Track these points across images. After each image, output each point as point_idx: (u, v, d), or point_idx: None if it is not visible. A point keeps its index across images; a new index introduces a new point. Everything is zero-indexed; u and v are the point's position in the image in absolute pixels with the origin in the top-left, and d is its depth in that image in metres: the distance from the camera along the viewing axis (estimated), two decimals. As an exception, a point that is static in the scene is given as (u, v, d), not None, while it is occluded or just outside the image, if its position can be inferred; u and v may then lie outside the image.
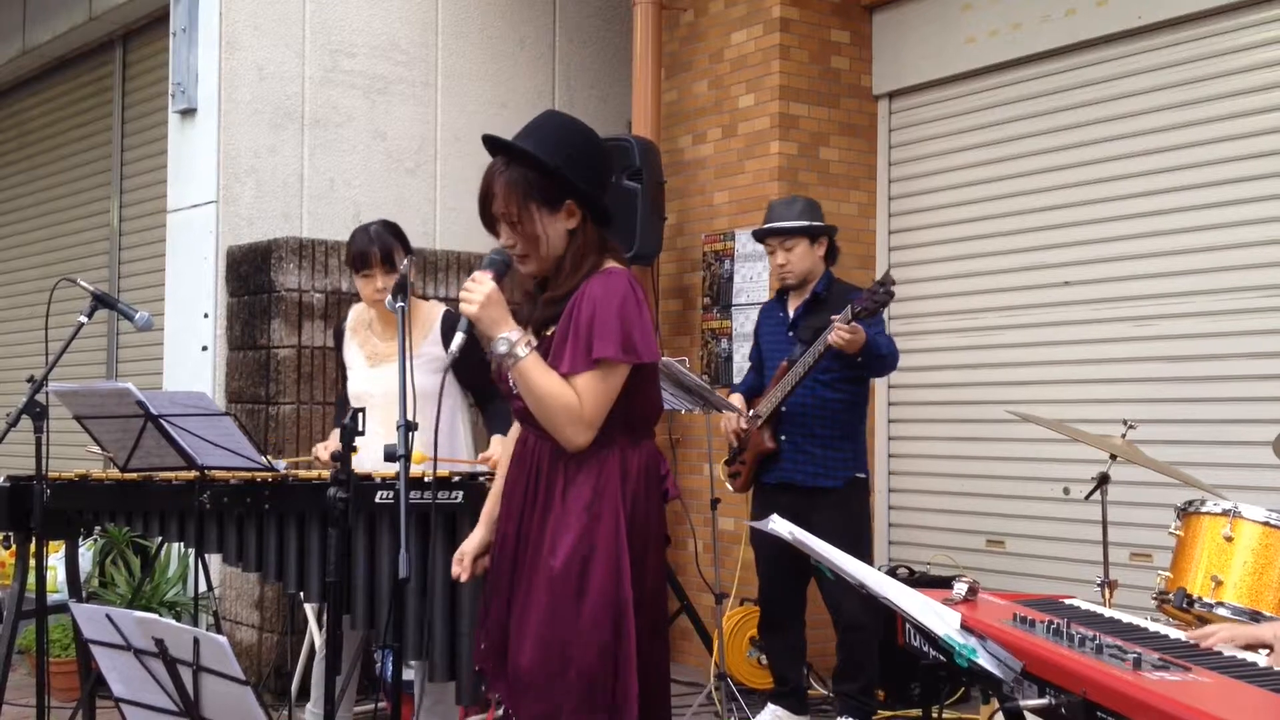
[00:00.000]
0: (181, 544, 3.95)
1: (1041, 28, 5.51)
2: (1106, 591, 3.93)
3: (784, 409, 4.64)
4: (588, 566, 2.63)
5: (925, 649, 2.36)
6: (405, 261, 3.22)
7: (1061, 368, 5.43)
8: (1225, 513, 3.41)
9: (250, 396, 5.55)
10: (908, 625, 2.45)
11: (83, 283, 4.01)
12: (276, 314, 5.45)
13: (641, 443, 2.76)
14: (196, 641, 2.41)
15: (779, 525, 2.57)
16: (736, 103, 6.20)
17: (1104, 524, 4.08)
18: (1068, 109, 5.45)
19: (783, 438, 4.67)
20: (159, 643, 2.45)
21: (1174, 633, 2.34)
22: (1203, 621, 3.07)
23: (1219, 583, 3.34)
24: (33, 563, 3.95)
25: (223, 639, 2.41)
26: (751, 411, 4.69)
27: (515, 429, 2.94)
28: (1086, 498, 4.12)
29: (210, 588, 4.50)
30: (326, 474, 3.59)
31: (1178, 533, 3.55)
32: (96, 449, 3.91)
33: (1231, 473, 4.70)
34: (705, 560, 5.47)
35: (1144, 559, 4.87)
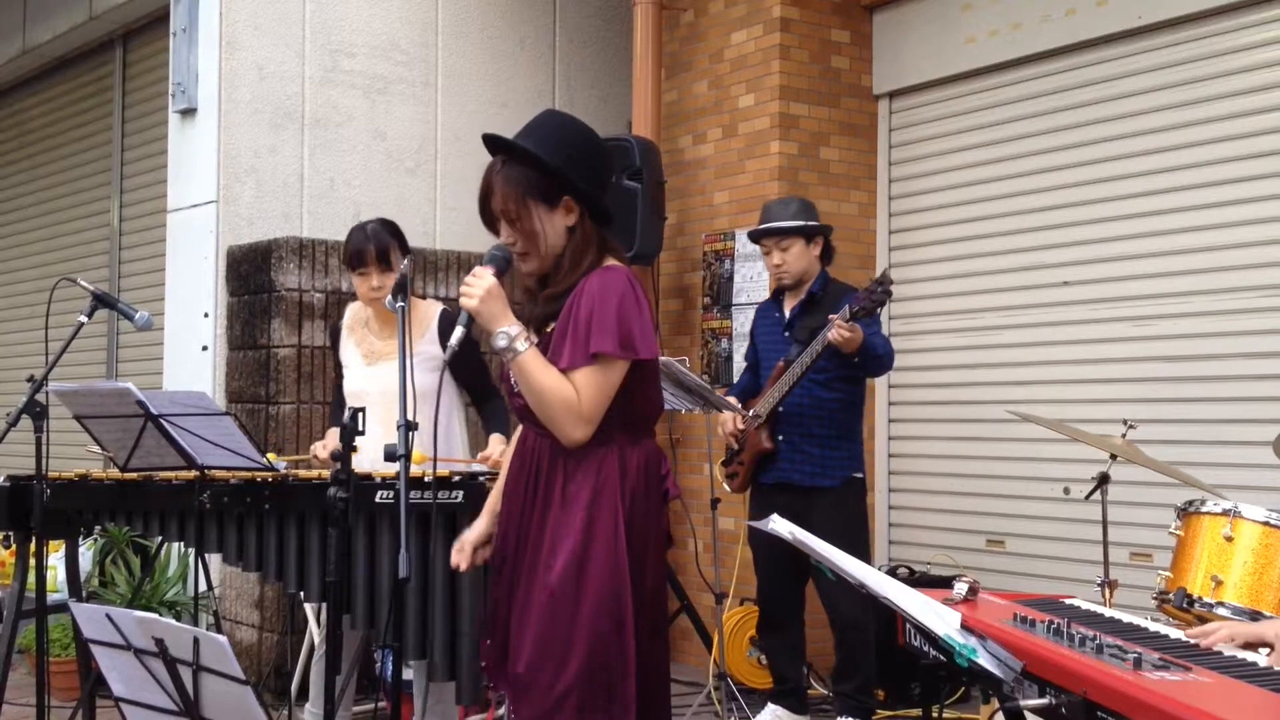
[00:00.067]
0: (181, 544, 3.95)
1: (1041, 28, 5.51)
2: (1106, 591, 3.92)
3: (781, 409, 4.64)
4: (586, 565, 2.64)
5: (925, 649, 2.36)
6: (405, 262, 3.22)
7: (1061, 368, 5.43)
8: (1225, 513, 3.41)
9: (250, 396, 5.55)
10: (908, 625, 2.45)
11: (83, 282, 4.01)
12: (276, 314, 5.45)
13: (641, 441, 2.77)
14: (196, 641, 2.41)
15: (779, 525, 2.57)
16: (737, 103, 6.20)
17: (1104, 524, 4.08)
18: (1068, 109, 5.45)
19: (780, 438, 4.67)
20: (159, 642, 2.45)
21: (1174, 633, 2.34)
22: (1203, 621, 3.07)
23: (1219, 582, 3.34)
24: (33, 562, 3.95)
25: (223, 639, 2.41)
26: (751, 411, 4.69)
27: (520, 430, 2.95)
28: (1086, 498, 4.12)
29: (210, 587, 4.50)
30: (326, 474, 3.59)
31: (1178, 533, 3.55)
32: (96, 449, 3.91)
33: (1231, 473, 4.69)
34: (705, 560, 5.47)
35: (1144, 559, 4.87)
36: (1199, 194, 4.98)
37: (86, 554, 5.83)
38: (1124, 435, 4.09)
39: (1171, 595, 3.44)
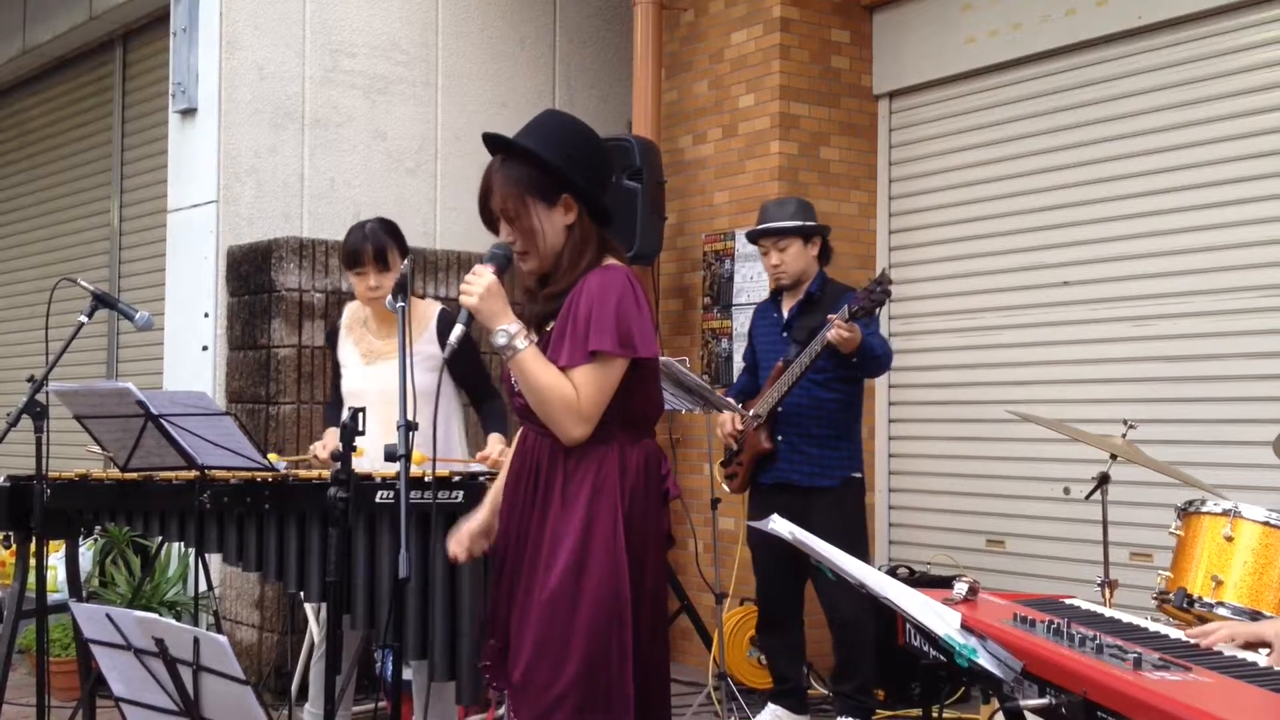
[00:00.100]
0: (181, 544, 3.95)
1: (1041, 28, 5.51)
2: (1106, 591, 3.93)
3: (780, 409, 4.64)
4: (585, 564, 2.63)
5: (925, 649, 2.36)
6: (406, 262, 3.22)
7: (1061, 368, 5.43)
8: (1225, 513, 3.41)
9: (250, 396, 5.55)
10: (908, 625, 2.45)
11: (83, 282, 4.01)
12: (277, 314, 5.45)
13: (641, 440, 2.77)
14: (196, 641, 2.41)
15: (779, 525, 2.57)
16: (737, 102, 6.20)
17: (1104, 524, 4.08)
18: (1068, 109, 5.45)
19: (779, 438, 4.67)
20: (159, 642, 2.45)
21: (1174, 632, 2.34)
22: (1203, 621, 3.07)
23: (1219, 582, 3.34)
24: (33, 562, 3.95)
25: (223, 639, 2.41)
26: (751, 412, 4.69)
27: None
28: (1086, 498, 4.12)
29: (210, 587, 4.50)
30: (326, 474, 3.59)
31: (1178, 533, 3.55)
32: (96, 449, 3.90)
33: (1231, 473, 4.70)
34: (705, 560, 5.47)
35: (1144, 559, 4.87)
36: (1199, 194, 4.98)
37: (86, 554, 5.83)
38: (1124, 435, 4.09)
39: (1171, 595, 3.44)
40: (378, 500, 3.48)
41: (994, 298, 5.73)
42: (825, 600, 4.68)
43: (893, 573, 5.16)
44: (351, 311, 4.20)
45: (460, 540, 2.93)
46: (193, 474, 3.73)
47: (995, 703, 2.18)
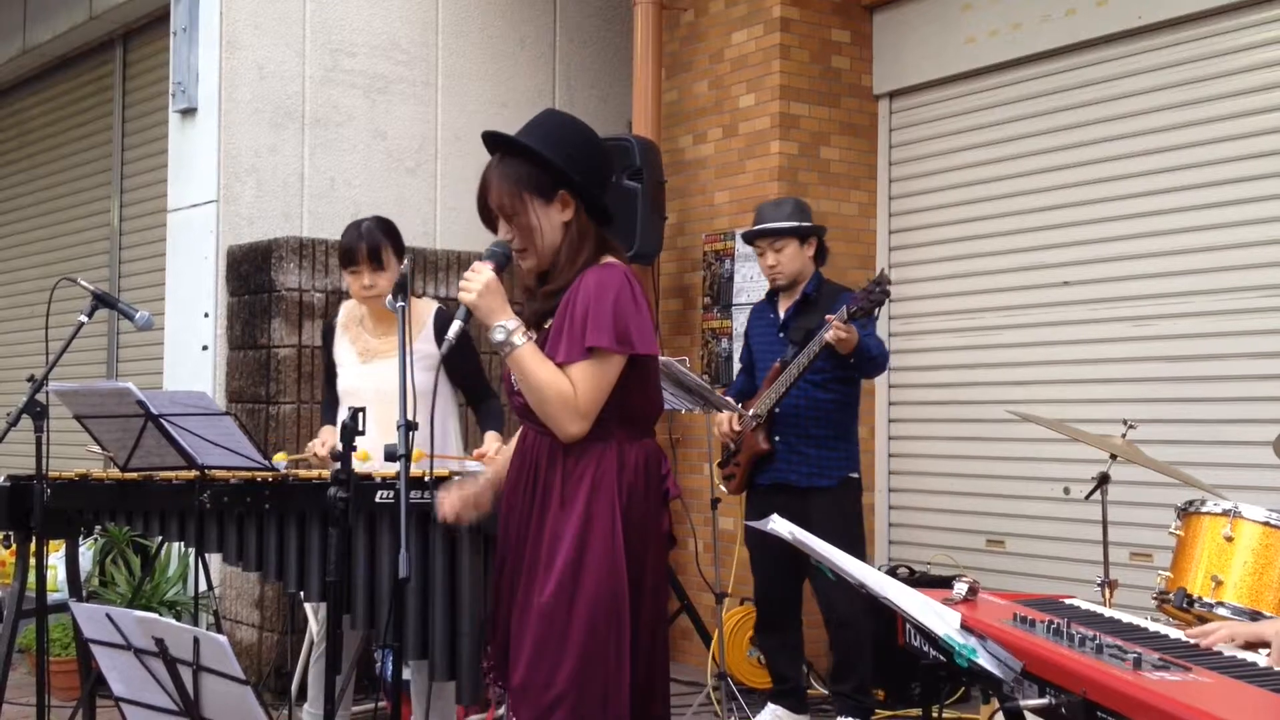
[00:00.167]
0: (181, 543, 3.95)
1: (1041, 28, 5.51)
2: (1106, 591, 3.93)
3: (777, 410, 4.64)
4: (583, 564, 2.64)
5: (925, 649, 2.36)
6: (406, 262, 3.23)
7: (1061, 368, 5.43)
8: (1225, 513, 3.41)
9: (250, 396, 5.55)
10: (908, 625, 2.45)
11: (83, 282, 4.01)
12: (277, 313, 5.45)
13: (641, 439, 2.77)
14: (196, 641, 2.41)
15: (779, 525, 2.57)
16: (737, 102, 6.20)
17: (1104, 524, 4.08)
18: (1068, 109, 5.45)
19: (777, 439, 4.67)
20: (159, 642, 2.45)
21: (1174, 633, 2.34)
22: (1203, 621, 3.07)
23: (1219, 583, 3.34)
24: (33, 562, 3.95)
25: (223, 638, 2.41)
26: (751, 412, 4.69)
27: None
28: (1086, 498, 4.12)
29: (210, 587, 4.50)
30: (326, 474, 3.59)
31: (1178, 533, 3.55)
32: (96, 449, 3.90)
33: (1231, 473, 4.69)
34: (705, 560, 5.47)
35: (1144, 559, 4.87)
36: (1199, 194, 4.98)
37: (86, 554, 5.83)
38: (1124, 435, 4.09)
39: (1171, 595, 3.43)
40: (378, 500, 3.48)
41: (994, 298, 5.73)
42: (822, 600, 4.68)
43: (893, 573, 5.16)
44: (348, 310, 4.20)
45: (452, 503, 2.94)
46: (193, 474, 3.72)
47: (995, 703, 2.18)
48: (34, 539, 3.93)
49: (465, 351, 4.00)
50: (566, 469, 2.70)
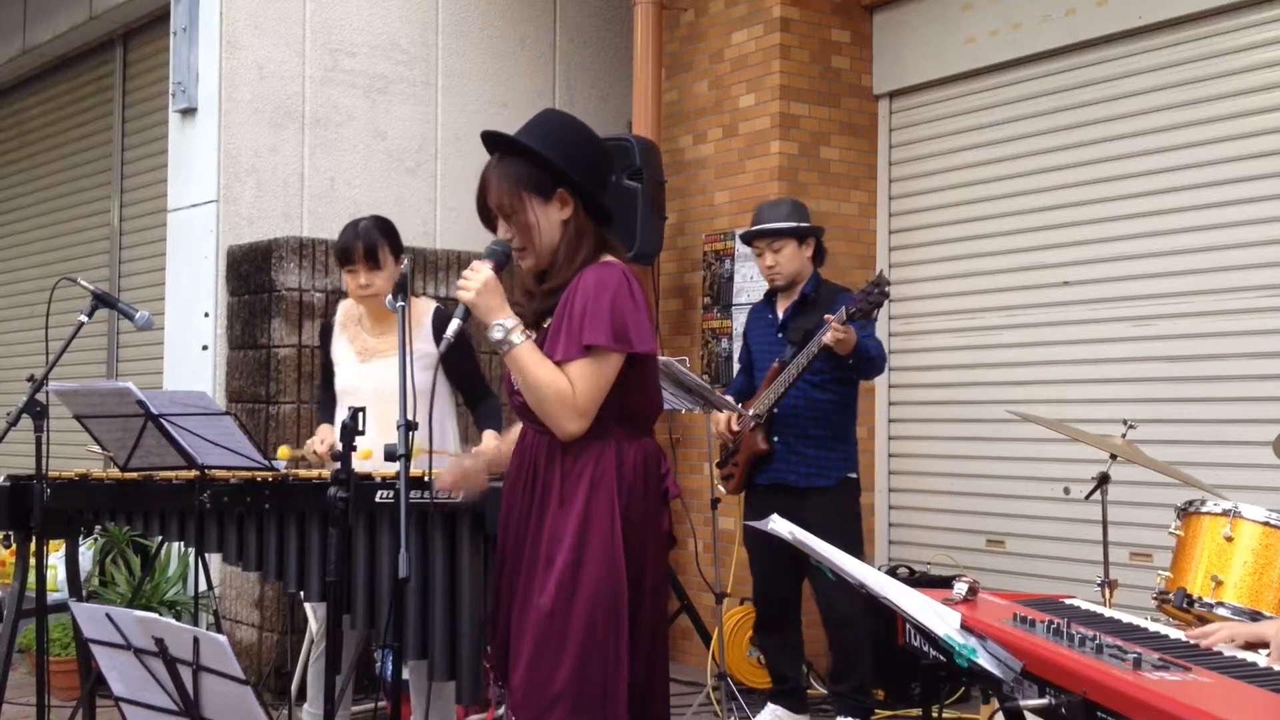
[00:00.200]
0: (181, 543, 3.95)
1: (1041, 28, 5.51)
2: (1106, 591, 3.93)
3: (776, 410, 4.64)
4: (582, 563, 2.64)
5: (925, 649, 2.36)
6: (406, 262, 3.22)
7: (1061, 368, 5.43)
8: (1225, 513, 3.41)
9: (251, 396, 5.55)
10: (908, 625, 2.45)
11: (83, 282, 4.01)
12: (277, 313, 5.45)
13: (640, 438, 2.77)
14: (196, 641, 2.41)
15: (779, 525, 2.57)
16: (737, 102, 6.20)
17: (1104, 524, 4.08)
18: (1068, 109, 5.45)
19: (775, 439, 4.67)
20: (159, 642, 2.45)
21: (1174, 633, 2.34)
22: (1203, 621, 3.07)
23: (1219, 583, 3.34)
24: (33, 562, 3.95)
25: (223, 638, 2.41)
26: (751, 412, 4.69)
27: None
28: (1086, 498, 4.12)
29: (210, 587, 4.50)
30: (326, 474, 3.59)
31: (1178, 533, 3.55)
32: (96, 448, 3.90)
33: (1231, 473, 4.70)
34: (705, 560, 5.47)
35: (1144, 559, 4.87)
36: (1199, 194, 4.98)
37: (86, 554, 5.83)
38: (1124, 435, 4.09)
39: (1171, 595, 3.43)
40: (378, 500, 3.48)
41: (994, 298, 5.73)
42: (822, 600, 4.68)
43: (893, 573, 5.16)
44: (345, 309, 4.20)
45: (452, 474, 3.02)
46: (193, 474, 3.72)
47: (995, 703, 2.18)
48: (34, 539, 3.92)
49: (464, 350, 4.00)
50: (565, 467, 2.70)
